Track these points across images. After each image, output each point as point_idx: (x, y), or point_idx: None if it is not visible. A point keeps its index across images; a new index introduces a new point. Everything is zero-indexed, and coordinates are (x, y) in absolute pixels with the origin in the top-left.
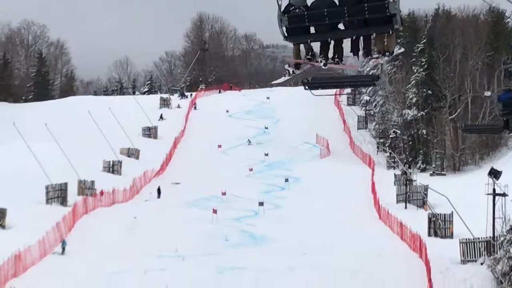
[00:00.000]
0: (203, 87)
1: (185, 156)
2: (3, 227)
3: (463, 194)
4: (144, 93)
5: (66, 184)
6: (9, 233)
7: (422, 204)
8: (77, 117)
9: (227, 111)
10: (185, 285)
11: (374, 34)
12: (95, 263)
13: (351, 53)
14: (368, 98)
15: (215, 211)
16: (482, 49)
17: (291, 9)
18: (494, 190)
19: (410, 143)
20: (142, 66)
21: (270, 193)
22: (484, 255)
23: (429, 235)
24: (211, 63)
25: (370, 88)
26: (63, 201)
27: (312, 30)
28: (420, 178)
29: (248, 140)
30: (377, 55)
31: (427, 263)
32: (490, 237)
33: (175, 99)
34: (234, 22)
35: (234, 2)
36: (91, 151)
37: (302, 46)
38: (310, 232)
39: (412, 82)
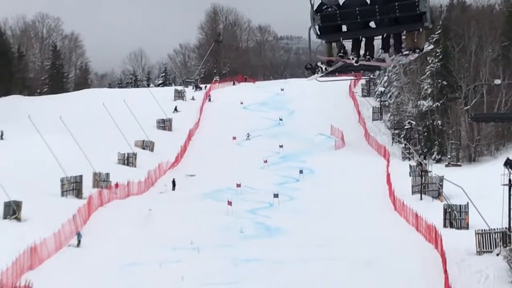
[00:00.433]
0: (218, 79)
1: (199, 148)
2: (19, 219)
3: (479, 185)
4: (158, 85)
5: (81, 176)
6: (24, 225)
7: (438, 195)
8: (91, 110)
9: (242, 103)
10: (200, 277)
11: (405, 32)
12: (111, 255)
13: (382, 50)
14: (383, 89)
15: (230, 203)
16: (497, 39)
17: (323, 8)
18: (510, 180)
19: (425, 134)
20: (157, 58)
21: (284, 184)
22: (500, 246)
23: (445, 226)
24: (225, 55)
25: (385, 79)
26: (78, 194)
27: (344, 28)
28: (436, 169)
29: (248, 134)
30: (407, 52)
31: (442, 254)
32: (506, 228)
33: (189, 91)
34: (248, 14)
35: None
36: (106, 143)
37: (334, 44)
38: (325, 223)
39: (427, 73)
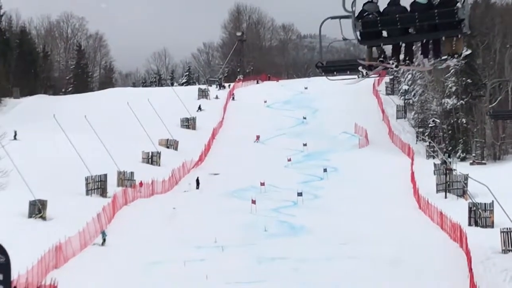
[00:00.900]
0: (241, 78)
1: (223, 147)
2: (44, 218)
3: (504, 183)
4: (182, 84)
5: (105, 175)
6: (49, 224)
7: (462, 193)
8: (116, 109)
9: (265, 102)
10: (224, 275)
11: (443, 38)
12: (135, 254)
13: (421, 55)
14: (407, 87)
15: (253, 202)
16: None
17: (364, 14)
18: None
19: (450, 132)
20: (180, 57)
21: (308, 183)
22: None
23: (470, 224)
24: (249, 53)
25: (409, 77)
26: (103, 193)
27: (385, 34)
28: (460, 167)
29: (257, 137)
30: (446, 57)
31: (467, 253)
32: None
33: (213, 90)
34: (271, 12)
35: None
36: (130, 142)
37: (374, 49)
38: (349, 222)
39: (452, 71)
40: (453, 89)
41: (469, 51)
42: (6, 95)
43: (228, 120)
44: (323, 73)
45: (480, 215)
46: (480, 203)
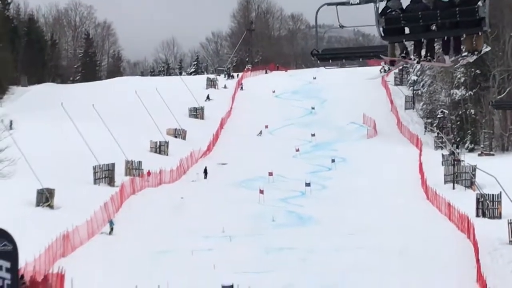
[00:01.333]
0: (250, 68)
1: (231, 137)
2: (52, 207)
3: None
4: (190, 73)
5: (113, 164)
6: (57, 213)
7: (470, 184)
8: (124, 98)
9: (274, 92)
10: (232, 265)
11: (464, 35)
12: (143, 243)
13: (442, 51)
14: (415, 78)
15: (261, 192)
16: None
17: (387, 11)
18: None
19: (458, 123)
20: (189, 46)
21: (316, 173)
22: None
23: (477, 215)
24: (258, 43)
25: (417, 68)
26: (111, 182)
27: (407, 30)
28: (468, 158)
29: (260, 131)
30: (466, 54)
31: (475, 244)
32: None
33: (221, 79)
34: (280, 2)
35: None
36: (138, 131)
37: (396, 45)
38: (357, 212)
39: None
40: (462, 80)
41: (488, 48)
42: (14, 83)
43: (236, 109)
44: (318, 61)
45: (487, 206)
46: (488, 194)
